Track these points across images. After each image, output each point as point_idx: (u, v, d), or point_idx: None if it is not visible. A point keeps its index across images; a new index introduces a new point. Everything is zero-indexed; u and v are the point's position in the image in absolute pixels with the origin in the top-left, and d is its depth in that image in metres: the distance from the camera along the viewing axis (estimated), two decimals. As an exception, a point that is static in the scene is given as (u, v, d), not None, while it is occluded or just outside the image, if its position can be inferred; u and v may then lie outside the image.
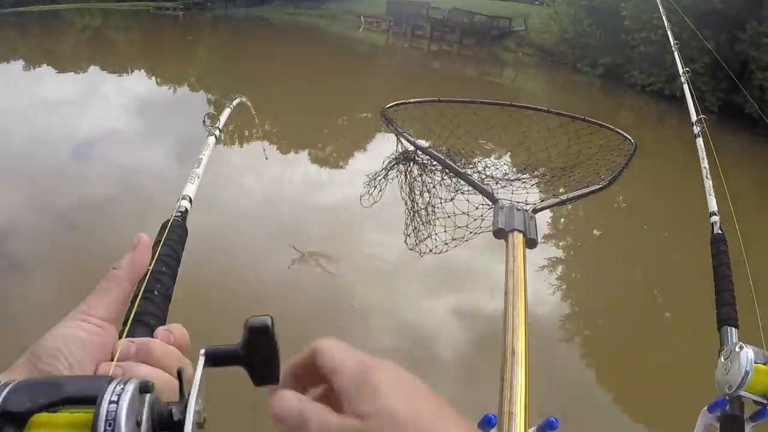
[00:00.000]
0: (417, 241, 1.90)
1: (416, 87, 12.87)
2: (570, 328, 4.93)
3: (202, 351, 0.46)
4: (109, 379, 0.37)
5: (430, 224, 1.87)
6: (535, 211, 1.15)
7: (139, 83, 12.24)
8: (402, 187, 1.96)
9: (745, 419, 1.06)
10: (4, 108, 8.59)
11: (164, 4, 27.58)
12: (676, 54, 2.33)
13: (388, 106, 1.92)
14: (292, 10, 29.28)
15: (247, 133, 8.02)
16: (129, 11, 26.01)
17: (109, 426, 0.34)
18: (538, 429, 0.74)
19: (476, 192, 1.46)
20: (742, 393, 1.02)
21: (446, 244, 1.78)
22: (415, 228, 1.91)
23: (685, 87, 2.08)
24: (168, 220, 0.82)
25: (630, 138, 1.82)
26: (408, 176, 1.93)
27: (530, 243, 1.03)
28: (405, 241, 1.94)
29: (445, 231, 1.76)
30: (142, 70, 13.56)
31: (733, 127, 12.21)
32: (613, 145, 1.85)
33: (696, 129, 1.78)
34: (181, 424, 0.40)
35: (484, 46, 23.32)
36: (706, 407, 1.08)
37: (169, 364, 0.49)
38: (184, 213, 0.89)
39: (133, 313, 0.58)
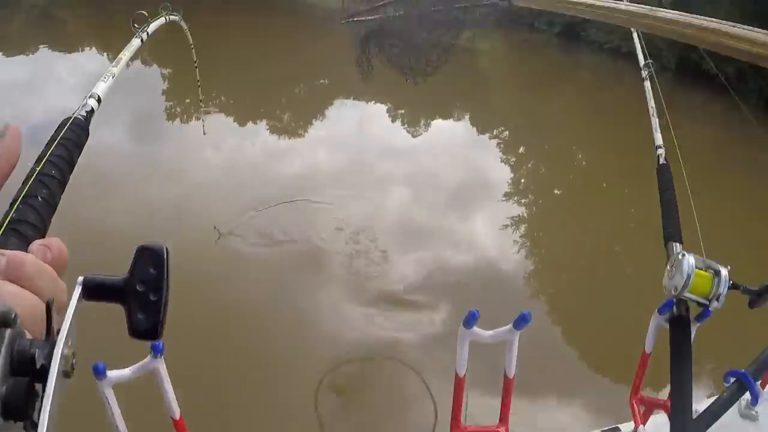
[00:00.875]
0: (415, 75, 2.56)
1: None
2: (537, 280, 5.20)
3: (80, 279, 0.39)
4: None
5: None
6: None
7: (90, 61, 11.89)
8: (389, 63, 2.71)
9: (691, 320, 1.20)
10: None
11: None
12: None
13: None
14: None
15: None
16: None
17: None
18: (513, 324, 0.84)
19: None
20: (686, 295, 1.15)
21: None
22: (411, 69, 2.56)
23: (635, 34, 2.21)
24: (68, 118, 0.69)
25: None
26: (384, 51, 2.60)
27: None
28: (407, 81, 3.01)
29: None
30: (93, 48, 13.15)
31: (691, 85, 12.41)
32: None
33: (644, 73, 1.91)
34: (44, 370, 0.31)
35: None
36: (656, 310, 1.22)
37: (41, 287, 0.39)
38: (89, 113, 0.77)
39: (8, 219, 0.49)
